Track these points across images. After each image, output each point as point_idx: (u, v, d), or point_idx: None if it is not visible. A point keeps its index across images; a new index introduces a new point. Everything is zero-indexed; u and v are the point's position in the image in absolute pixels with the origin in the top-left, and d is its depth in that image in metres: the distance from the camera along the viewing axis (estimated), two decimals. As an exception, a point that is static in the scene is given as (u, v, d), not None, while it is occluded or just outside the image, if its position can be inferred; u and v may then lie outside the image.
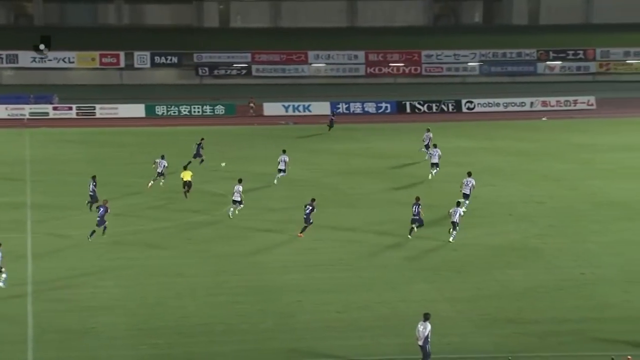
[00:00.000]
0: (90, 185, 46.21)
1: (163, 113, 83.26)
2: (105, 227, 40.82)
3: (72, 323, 31.70)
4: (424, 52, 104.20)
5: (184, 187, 48.86)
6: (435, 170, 54.05)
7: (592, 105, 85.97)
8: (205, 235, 42.71)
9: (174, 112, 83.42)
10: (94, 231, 40.84)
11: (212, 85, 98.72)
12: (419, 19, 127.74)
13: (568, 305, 32.90)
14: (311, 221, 41.79)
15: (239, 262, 38.64)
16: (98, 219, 40.85)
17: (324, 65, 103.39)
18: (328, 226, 43.82)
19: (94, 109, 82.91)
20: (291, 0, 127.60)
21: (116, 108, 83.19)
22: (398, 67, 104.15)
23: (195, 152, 56.86)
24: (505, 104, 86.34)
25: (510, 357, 28.13)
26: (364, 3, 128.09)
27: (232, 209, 45.27)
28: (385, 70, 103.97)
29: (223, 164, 55.83)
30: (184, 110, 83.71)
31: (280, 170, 52.84)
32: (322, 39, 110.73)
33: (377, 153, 63.16)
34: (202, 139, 58.44)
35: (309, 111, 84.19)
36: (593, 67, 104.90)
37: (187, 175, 49.04)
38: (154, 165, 51.65)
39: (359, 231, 43.15)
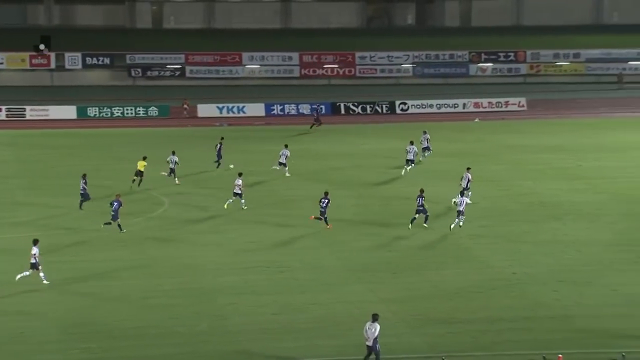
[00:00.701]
0: (81, 184, 46.73)
1: (95, 115, 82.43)
2: (114, 220, 42.27)
3: None
4: (357, 54, 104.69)
5: (136, 176, 50.49)
6: (410, 167, 55.78)
7: (523, 106, 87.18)
8: (140, 237, 42.42)
9: (106, 114, 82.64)
10: (109, 223, 42.37)
11: (145, 87, 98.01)
12: (352, 21, 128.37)
13: (501, 305, 33.34)
14: (326, 215, 43.40)
15: (173, 264, 38.45)
16: (112, 213, 42.20)
17: (258, 66, 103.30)
18: (263, 227, 43.85)
19: (24, 111, 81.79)
20: (225, 2, 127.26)
21: (47, 110, 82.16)
22: (332, 68, 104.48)
23: (217, 154, 56.87)
24: (438, 105, 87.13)
25: (443, 357, 28.43)
26: (298, 4, 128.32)
27: (231, 200, 46.83)
28: (319, 71, 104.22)
29: (231, 166, 56.01)
30: (117, 112, 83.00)
31: (280, 164, 54.89)
32: (257, 40, 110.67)
33: (312, 154, 63.30)
34: (222, 138, 58.54)
35: (244, 112, 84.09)
36: (524, 68, 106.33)
37: (141, 165, 50.85)
38: (168, 160, 52.97)
39: (295, 232, 43.24)
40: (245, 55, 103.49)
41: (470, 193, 46.94)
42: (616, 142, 67.05)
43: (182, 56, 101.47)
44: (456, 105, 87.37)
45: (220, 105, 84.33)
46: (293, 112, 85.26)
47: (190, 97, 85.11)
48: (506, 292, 34.78)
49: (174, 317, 32.33)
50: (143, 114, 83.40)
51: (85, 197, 46.74)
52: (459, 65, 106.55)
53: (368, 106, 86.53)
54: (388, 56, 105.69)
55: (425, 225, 43.60)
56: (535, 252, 39.83)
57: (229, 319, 32.28)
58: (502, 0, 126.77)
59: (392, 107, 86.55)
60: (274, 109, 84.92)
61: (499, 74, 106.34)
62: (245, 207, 46.94)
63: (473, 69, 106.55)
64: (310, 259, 39.18)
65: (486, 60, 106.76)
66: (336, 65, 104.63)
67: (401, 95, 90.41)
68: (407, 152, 56.27)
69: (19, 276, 35.10)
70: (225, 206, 46.78)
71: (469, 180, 48.11)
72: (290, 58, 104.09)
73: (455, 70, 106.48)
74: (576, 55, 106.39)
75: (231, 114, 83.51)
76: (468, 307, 33.12)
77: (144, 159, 51.99)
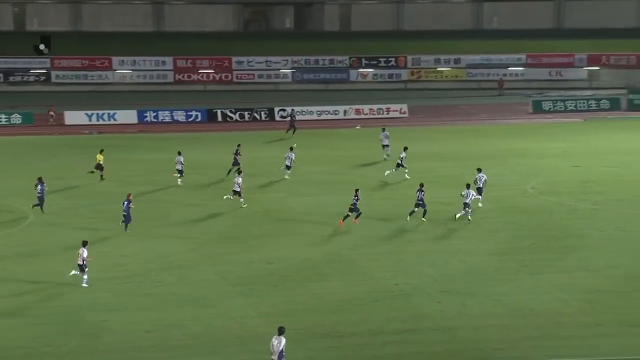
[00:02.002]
0: (38, 187, 47.79)
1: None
2: (127, 222, 44.41)
3: None
4: (234, 59, 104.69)
5: (96, 169, 55.14)
6: (387, 153, 62.61)
7: (404, 113, 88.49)
8: (4, 253, 41.41)
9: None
10: (125, 222, 44.36)
11: (8, 93, 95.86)
12: (228, 24, 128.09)
13: (383, 317, 33.72)
14: (360, 211, 45.69)
15: (40, 280, 37.64)
16: (124, 213, 44.17)
17: (129, 71, 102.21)
18: (137, 240, 43.37)
19: None
20: (93, 3, 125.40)
21: None
22: (208, 73, 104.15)
23: (233, 161, 57.68)
24: (319, 112, 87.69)
25: (326, 372, 28.59)
26: (171, 7, 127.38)
27: (231, 198, 49.64)
28: (194, 77, 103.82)
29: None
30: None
31: (287, 167, 56.87)
32: (127, 44, 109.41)
33: (187, 163, 62.88)
34: (239, 146, 59.30)
35: (115, 120, 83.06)
36: (405, 74, 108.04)
37: (99, 158, 55.41)
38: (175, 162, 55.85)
39: (170, 245, 42.90)
40: (116, 60, 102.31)
41: (481, 197, 49.65)
42: (497, 149, 68.68)
43: (47, 60, 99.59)
44: (337, 112, 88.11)
45: (90, 112, 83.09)
46: (167, 119, 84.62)
47: (57, 104, 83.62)
48: (389, 303, 35.21)
49: (41, 336, 31.68)
50: (5, 121, 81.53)
51: (41, 200, 47.81)
52: (339, 70, 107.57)
53: (246, 113, 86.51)
54: (266, 61, 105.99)
55: (423, 219, 46.37)
56: (419, 262, 40.44)
57: (100, 337, 31.79)
58: (382, 4, 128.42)
59: (271, 114, 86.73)
60: (147, 116, 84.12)
61: (379, 79, 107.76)
62: (245, 206, 49.32)
63: (354, 74, 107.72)
64: (188, 273, 38.92)
65: (367, 66, 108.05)
66: (212, 71, 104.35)
67: (280, 102, 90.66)
68: (381, 140, 58.98)
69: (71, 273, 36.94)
70: (224, 198, 49.80)
71: (484, 181, 50.33)
72: (163, 63, 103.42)
73: (335, 75, 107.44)
74: (457, 61, 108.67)
75: (101, 122, 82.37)
76: (351, 320, 33.40)
77: (101, 152, 56.24)
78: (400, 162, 57.87)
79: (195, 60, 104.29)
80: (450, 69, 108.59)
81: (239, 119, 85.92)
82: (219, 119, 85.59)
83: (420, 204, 46.86)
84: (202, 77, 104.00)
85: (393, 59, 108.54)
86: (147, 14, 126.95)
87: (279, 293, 36.43)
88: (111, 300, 35.37)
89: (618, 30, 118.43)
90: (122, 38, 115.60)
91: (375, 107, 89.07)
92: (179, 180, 55.50)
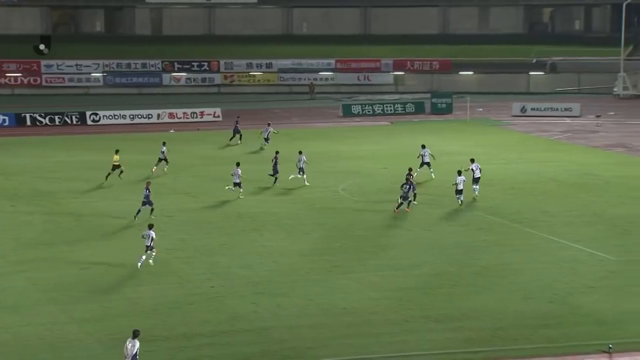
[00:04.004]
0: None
1: None
2: (151, 209, 47.17)
3: None
4: (43, 62, 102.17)
5: (112, 170, 56.26)
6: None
7: (218, 117, 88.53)
8: None
9: None
10: (140, 211, 46.80)
11: None
12: (36, 27, 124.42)
13: (199, 320, 33.60)
14: (409, 198, 49.44)
15: None
16: (144, 199, 46.66)
17: None
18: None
19: None
20: None
21: None
22: (16, 77, 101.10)
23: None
24: (132, 116, 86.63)
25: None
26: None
27: (232, 188, 52.57)
28: (1, 80, 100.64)
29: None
30: None
31: (301, 171, 56.42)
32: None
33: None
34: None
35: None
36: (218, 78, 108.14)
37: (115, 159, 56.48)
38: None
39: (-23, 254, 41.40)
40: None
41: (478, 187, 52.25)
42: (309, 152, 69.35)
43: None
44: (150, 116, 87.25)
45: None
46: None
47: None
48: (204, 306, 35.11)
49: None
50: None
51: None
52: (152, 74, 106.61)
53: (57, 117, 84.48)
54: (76, 65, 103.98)
55: (415, 203, 50.26)
56: (233, 264, 40.51)
57: None
58: (193, 9, 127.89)
59: (82, 118, 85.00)
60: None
61: (193, 83, 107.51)
62: (242, 197, 52.39)
63: (166, 78, 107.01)
64: (-4, 281, 37.67)
65: (179, 70, 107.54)
66: (20, 74, 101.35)
67: (92, 106, 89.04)
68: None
69: (139, 262, 38.76)
70: (226, 188, 52.59)
71: (480, 170, 52.74)
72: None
73: (148, 79, 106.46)
74: (269, 65, 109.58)
75: None
76: (166, 323, 33.12)
77: (117, 152, 57.22)
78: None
79: (2, 64, 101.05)
80: (262, 73, 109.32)
81: (49, 123, 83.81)
82: (28, 123, 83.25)
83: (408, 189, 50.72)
84: (9, 80, 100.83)
85: (206, 63, 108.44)
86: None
87: (92, 298, 35.74)
88: None
89: (422, 36, 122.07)
90: None
91: (189, 111, 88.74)
92: (165, 168, 59.66)
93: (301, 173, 56.66)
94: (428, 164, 58.11)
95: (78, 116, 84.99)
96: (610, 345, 30.64)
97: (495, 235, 45.29)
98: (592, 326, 32.96)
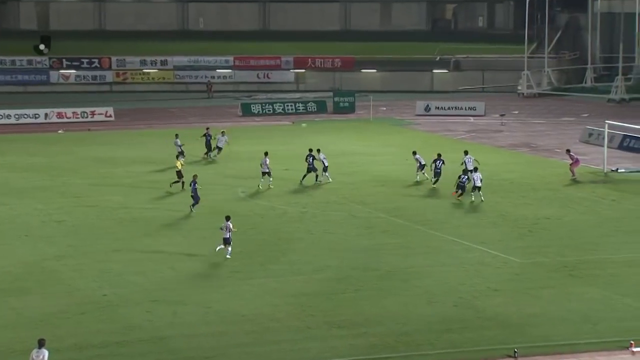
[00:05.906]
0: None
1: None
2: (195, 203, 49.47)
3: None
4: None
5: (179, 178, 55.49)
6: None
7: (110, 116, 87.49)
8: None
9: None
10: (194, 204, 49.44)
11: None
12: None
13: (90, 330, 33.13)
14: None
15: None
16: (192, 194, 49.50)
17: None
18: None
19: None
20: None
21: None
22: None
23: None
24: (17, 116, 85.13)
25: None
26: None
27: (262, 181, 55.64)
28: None
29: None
30: None
31: (311, 169, 57.34)
32: None
33: None
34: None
35: None
36: (110, 76, 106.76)
37: (178, 165, 56.37)
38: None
39: None
40: None
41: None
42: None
43: None
44: (37, 116, 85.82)
45: None
46: None
47: None
48: (96, 315, 34.64)
49: None
50: None
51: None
52: (39, 72, 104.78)
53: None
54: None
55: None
56: (127, 271, 40.06)
57: None
58: (82, 3, 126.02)
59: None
60: None
61: (83, 81, 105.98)
62: (272, 187, 55.42)
63: (54, 76, 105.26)
64: None
65: (68, 67, 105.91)
66: None
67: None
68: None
69: (217, 248, 41.33)
70: (260, 186, 55.46)
71: (474, 160, 55.79)
72: None
73: (34, 77, 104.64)
74: (164, 63, 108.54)
75: None
76: (55, 334, 32.51)
77: (178, 157, 58.89)
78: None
79: None
80: (157, 70, 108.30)
81: None
82: None
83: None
84: None
85: (97, 60, 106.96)
86: None
87: (-25, 310, 34.95)
88: None
89: (323, 32, 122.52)
90: None
91: (79, 110, 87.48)
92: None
93: (325, 171, 58.05)
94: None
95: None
96: (516, 350, 31.20)
97: (400, 238, 45.72)
98: (497, 330, 33.51)
